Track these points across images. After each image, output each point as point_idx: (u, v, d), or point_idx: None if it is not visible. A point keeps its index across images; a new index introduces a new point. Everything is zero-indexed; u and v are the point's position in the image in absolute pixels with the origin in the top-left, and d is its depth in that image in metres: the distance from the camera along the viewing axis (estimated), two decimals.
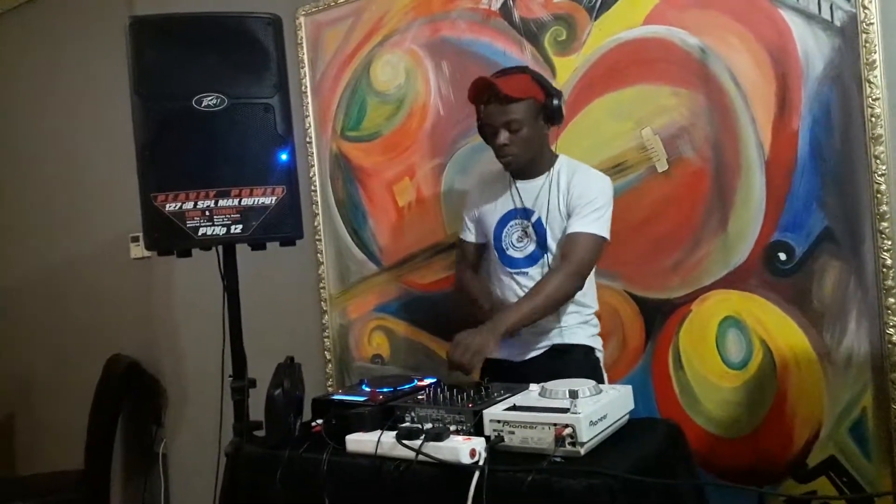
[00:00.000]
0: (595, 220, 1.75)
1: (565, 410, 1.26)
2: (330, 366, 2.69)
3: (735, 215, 1.94)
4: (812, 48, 1.83)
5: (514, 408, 1.33)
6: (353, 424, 1.40)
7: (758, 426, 1.93)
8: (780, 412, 1.90)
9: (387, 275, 2.56)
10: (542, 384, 1.43)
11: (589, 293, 1.88)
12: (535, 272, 1.82)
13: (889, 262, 1.75)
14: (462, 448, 1.23)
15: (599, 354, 1.88)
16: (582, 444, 1.22)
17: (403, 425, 1.37)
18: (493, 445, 1.27)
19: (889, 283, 1.75)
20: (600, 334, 1.92)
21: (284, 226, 1.87)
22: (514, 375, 1.79)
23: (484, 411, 1.32)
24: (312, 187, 2.68)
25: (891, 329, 1.76)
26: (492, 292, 1.94)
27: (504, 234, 1.89)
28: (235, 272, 1.94)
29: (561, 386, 1.38)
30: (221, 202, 1.82)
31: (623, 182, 2.07)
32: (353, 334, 2.65)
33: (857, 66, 1.77)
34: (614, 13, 2.07)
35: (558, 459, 1.22)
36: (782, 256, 1.89)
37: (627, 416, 1.44)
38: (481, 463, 1.22)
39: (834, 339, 1.84)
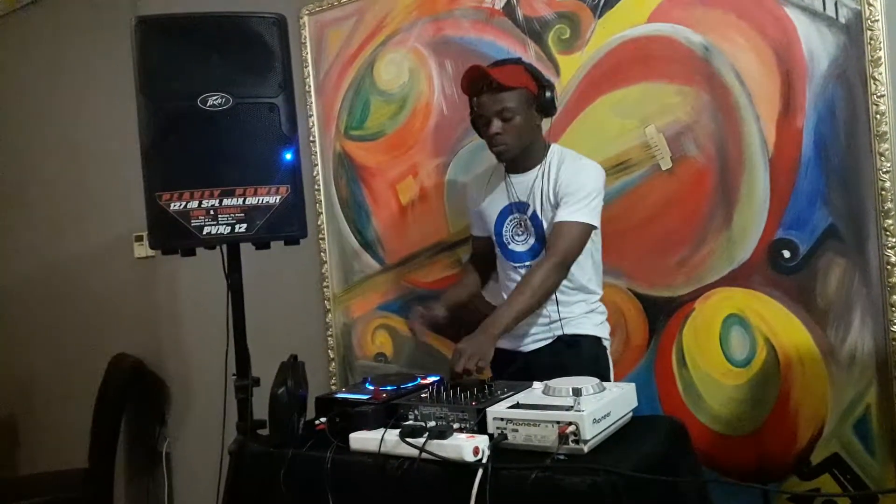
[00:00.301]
0: (581, 208, 1.74)
1: (569, 408, 1.26)
2: (333, 364, 2.70)
3: (739, 213, 1.93)
4: (817, 46, 1.83)
5: (517, 406, 1.33)
6: (356, 423, 1.40)
7: (761, 424, 1.92)
8: (783, 410, 1.90)
9: (390, 273, 2.57)
10: (545, 382, 1.43)
11: (594, 278, 1.88)
12: None
13: (893, 259, 1.75)
14: (465, 446, 1.23)
15: (606, 343, 1.87)
16: (585, 442, 1.22)
17: (407, 423, 1.37)
18: (497, 443, 1.27)
19: (894, 279, 1.75)
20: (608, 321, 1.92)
21: (288, 225, 1.88)
22: (521, 366, 1.83)
23: (487, 409, 1.32)
24: (316, 186, 2.68)
25: (895, 326, 1.75)
26: (468, 291, 2.01)
27: (504, 229, 1.91)
28: (239, 271, 1.94)
29: (564, 383, 1.38)
30: (226, 201, 1.82)
31: (627, 180, 2.07)
32: (356, 333, 2.66)
33: (861, 64, 1.77)
34: (618, 11, 2.07)
35: (562, 457, 1.22)
36: (786, 254, 1.88)
37: (631, 414, 1.44)
38: (485, 461, 1.22)
39: (838, 336, 1.83)
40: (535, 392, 1.42)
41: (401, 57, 2.48)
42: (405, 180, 2.50)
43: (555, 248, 1.73)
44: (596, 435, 1.26)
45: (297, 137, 1.90)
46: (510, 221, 1.90)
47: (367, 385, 1.60)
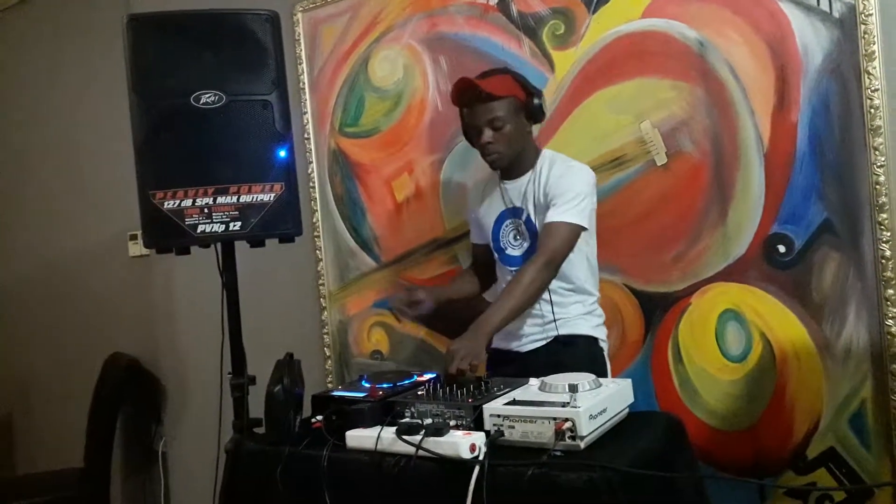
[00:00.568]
0: (569, 209, 1.75)
1: (565, 404, 1.26)
2: (329, 362, 2.69)
3: (734, 208, 1.93)
4: (811, 40, 1.83)
5: (513, 402, 1.33)
6: (353, 420, 1.40)
7: (757, 419, 1.93)
8: (779, 404, 1.90)
9: (386, 271, 2.56)
10: (541, 378, 1.43)
11: (590, 279, 1.88)
12: None
13: (888, 253, 1.75)
14: (462, 443, 1.23)
15: (603, 345, 1.88)
16: (582, 438, 1.22)
17: (403, 421, 1.37)
18: (494, 440, 1.27)
19: (888, 274, 1.75)
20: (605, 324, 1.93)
21: (283, 223, 1.87)
22: (517, 365, 1.84)
23: (484, 406, 1.32)
24: (311, 184, 2.68)
25: (890, 320, 1.76)
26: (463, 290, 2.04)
27: (501, 235, 1.93)
28: (234, 269, 1.94)
29: (561, 380, 1.38)
30: (220, 199, 1.82)
31: (622, 176, 2.07)
32: (352, 330, 2.65)
33: (855, 58, 1.77)
34: (613, 6, 2.06)
35: (558, 453, 1.22)
36: (781, 249, 1.89)
37: (627, 410, 1.44)
38: (481, 457, 1.22)
39: (833, 330, 1.84)
40: (532, 389, 1.43)
41: (395, 53, 2.47)
42: (400, 177, 2.50)
43: (543, 248, 1.74)
44: (592, 431, 1.26)
45: (291, 135, 1.90)
46: (506, 227, 1.92)
47: (363, 383, 1.60)
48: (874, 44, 1.74)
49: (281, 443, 1.47)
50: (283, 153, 1.87)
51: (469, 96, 1.81)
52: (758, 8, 1.88)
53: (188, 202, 1.80)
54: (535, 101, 1.84)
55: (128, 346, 3.19)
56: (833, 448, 1.85)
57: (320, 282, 2.69)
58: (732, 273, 1.94)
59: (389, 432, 1.32)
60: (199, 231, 1.80)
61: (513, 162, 1.86)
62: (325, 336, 2.69)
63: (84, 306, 3.40)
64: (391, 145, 2.51)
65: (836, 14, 1.80)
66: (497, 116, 1.78)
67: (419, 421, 1.35)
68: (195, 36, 1.82)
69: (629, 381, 1.47)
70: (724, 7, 1.92)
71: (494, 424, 1.29)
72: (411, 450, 1.27)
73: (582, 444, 1.23)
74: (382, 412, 1.41)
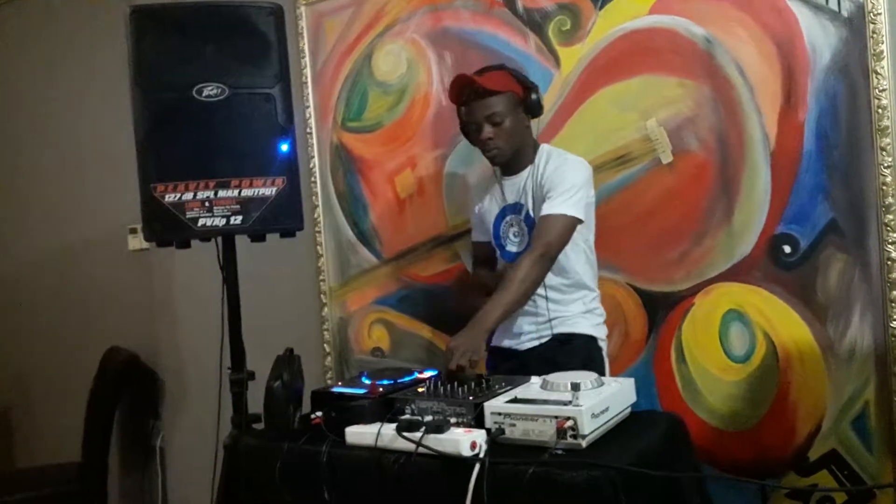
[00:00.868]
0: (564, 201, 1.74)
1: (567, 403, 1.25)
2: (329, 358, 2.68)
3: (740, 207, 1.92)
4: (819, 39, 1.81)
5: (515, 400, 1.32)
6: (352, 417, 1.39)
7: (760, 419, 1.92)
8: (782, 405, 1.89)
9: (387, 267, 2.55)
10: (543, 377, 1.42)
11: (588, 273, 1.88)
12: None
13: (894, 254, 1.74)
14: (463, 440, 1.22)
15: (602, 344, 1.87)
16: (583, 437, 1.21)
17: (403, 417, 1.35)
18: (494, 438, 1.26)
19: (894, 275, 1.74)
20: (606, 323, 1.92)
21: (284, 217, 1.87)
22: (517, 363, 1.84)
23: (485, 403, 1.31)
24: (312, 179, 2.66)
25: (895, 322, 1.75)
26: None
27: (502, 231, 1.93)
28: (234, 264, 1.93)
29: (563, 378, 1.37)
30: (221, 193, 1.81)
31: (627, 174, 2.06)
32: (352, 327, 2.64)
33: (864, 57, 1.76)
34: (619, 3, 2.05)
35: (559, 452, 1.21)
36: (787, 249, 1.87)
37: (629, 409, 1.43)
38: (482, 455, 1.21)
39: (837, 332, 1.83)
40: (534, 387, 1.42)
41: (399, 48, 2.46)
42: (403, 173, 2.49)
43: (538, 241, 1.74)
44: (594, 430, 1.25)
45: (294, 129, 1.89)
46: (506, 223, 1.92)
47: (363, 379, 1.59)
48: (883, 43, 1.74)
49: (280, 439, 1.46)
50: (285, 147, 1.86)
51: (467, 93, 1.81)
52: (765, 5, 1.87)
53: (189, 195, 1.79)
54: (533, 95, 1.83)
55: (126, 340, 3.18)
56: (835, 450, 1.84)
57: (321, 277, 2.68)
58: (737, 273, 1.93)
59: (389, 429, 1.31)
60: (199, 225, 1.80)
61: (513, 157, 1.86)
62: (326, 332, 2.68)
63: (83, 300, 3.39)
64: (394, 140, 2.50)
65: (844, 13, 1.78)
66: (496, 112, 1.78)
67: (419, 418, 1.34)
68: (198, 28, 1.81)
69: (632, 380, 1.46)
70: (731, 4, 1.91)
71: (495, 422, 1.28)
72: (411, 447, 1.25)
73: (583, 443, 1.22)
74: (382, 409, 1.40)
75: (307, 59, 2.65)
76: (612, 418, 1.34)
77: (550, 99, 2.16)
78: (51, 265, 3.50)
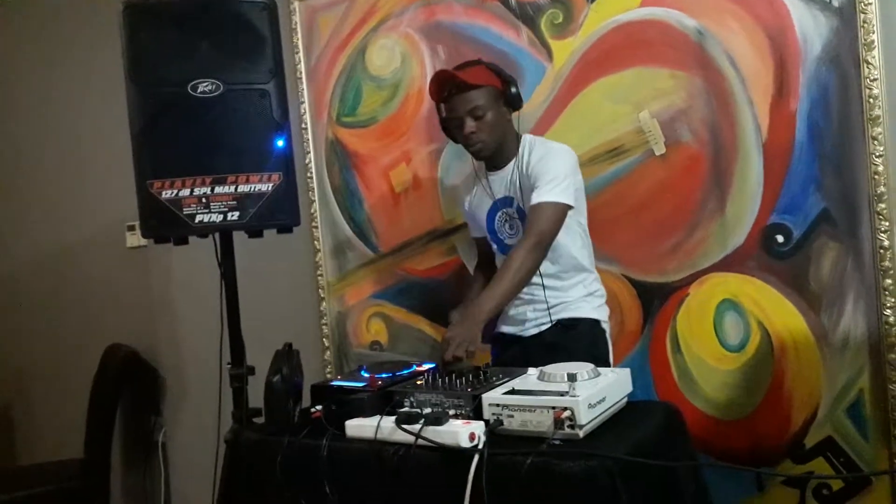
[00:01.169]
0: (552, 188, 1.75)
1: (564, 393, 1.26)
2: (328, 352, 2.69)
3: (733, 198, 1.93)
4: (810, 29, 1.82)
5: (513, 391, 1.33)
6: (352, 410, 1.40)
7: (755, 408, 1.94)
8: (777, 394, 1.91)
9: (384, 261, 2.56)
10: (540, 368, 1.43)
11: (586, 256, 1.89)
12: None
13: (886, 243, 1.76)
14: (461, 432, 1.23)
15: (605, 326, 1.89)
16: (581, 427, 1.23)
17: (403, 410, 1.37)
18: (493, 429, 1.27)
19: (886, 263, 1.76)
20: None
21: (281, 213, 1.87)
22: (520, 349, 1.87)
23: (483, 395, 1.32)
24: (308, 174, 2.67)
25: (888, 310, 1.76)
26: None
27: (496, 226, 1.93)
28: (232, 260, 1.93)
29: (560, 369, 1.38)
30: (218, 189, 1.81)
31: (620, 166, 2.07)
32: (350, 321, 2.66)
33: (855, 47, 1.77)
34: None
35: (557, 442, 1.23)
36: (780, 239, 1.89)
37: (626, 399, 1.45)
38: (481, 446, 1.22)
39: (831, 320, 1.84)
40: (531, 378, 1.43)
41: (393, 42, 2.46)
42: (398, 167, 2.49)
43: (530, 230, 1.74)
44: (591, 420, 1.26)
45: (289, 124, 1.89)
46: (500, 218, 1.92)
47: (362, 373, 1.60)
48: (873, 33, 1.74)
49: (280, 432, 1.47)
50: (280, 143, 1.86)
51: (448, 88, 1.81)
52: None
53: (186, 192, 1.79)
54: (513, 88, 1.84)
55: (126, 337, 3.18)
56: (831, 437, 1.86)
57: (318, 272, 2.69)
58: (731, 263, 1.95)
59: (389, 421, 1.32)
60: (196, 221, 1.80)
61: (497, 151, 1.86)
62: (324, 326, 2.69)
63: (82, 297, 3.39)
64: (389, 135, 2.50)
65: (835, 3, 1.79)
66: (478, 105, 1.79)
67: (418, 410, 1.35)
68: (192, 24, 1.80)
69: (628, 370, 1.47)
70: None
71: (493, 414, 1.30)
72: (411, 439, 1.27)
73: (581, 433, 1.23)
74: (382, 402, 1.41)
75: (301, 54, 2.65)
76: (609, 408, 1.35)
77: (543, 92, 2.17)
78: (50, 263, 3.51)
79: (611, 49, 2.07)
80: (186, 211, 1.79)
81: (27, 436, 3.72)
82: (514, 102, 1.85)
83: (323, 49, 2.62)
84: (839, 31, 1.79)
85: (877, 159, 1.75)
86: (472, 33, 2.29)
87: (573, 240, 1.85)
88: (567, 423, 1.23)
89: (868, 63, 1.75)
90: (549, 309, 1.85)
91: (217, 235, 1.90)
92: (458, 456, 1.22)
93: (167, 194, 1.78)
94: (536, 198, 1.75)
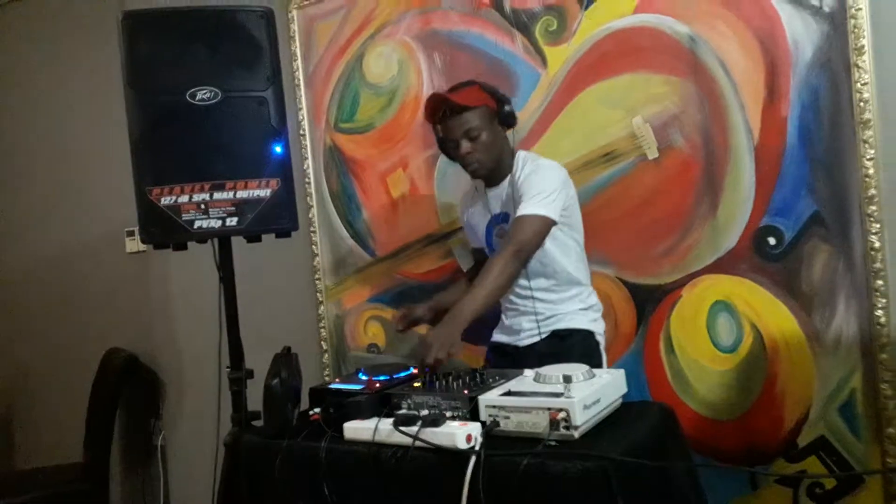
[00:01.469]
0: (537, 202, 1.76)
1: (559, 395, 1.28)
2: (326, 356, 2.71)
3: (725, 201, 1.96)
4: (801, 34, 1.85)
5: (509, 393, 1.35)
6: (350, 412, 1.42)
7: (748, 408, 1.95)
8: (770, 394, 1.93)
9: (381, 266, 2.58)
10: (536, 370, 1.45)
11: (581, 270, 1.91)
12: (532, 267, 1.86)
13: (877, 244, 1.78)
14: (458, 433, 1.24)
15: (600, 338, 1.91)
16: (576, 428, 1.24)
17: (400, 412, 1.38)
18: (489, 430, 1.29)
19: (877, 265, 1.78)
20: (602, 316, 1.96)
21: (279, 218, 1.89)
22: (515, 359, 1.89)
23: (479, 397, 1.34)
24: (307, 179, 2.69)
25: (879, 311, 1.78)
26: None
27: (494, 240, 1.95)
28: (231, 264, 1.95)
29: (555, 371, 1.40)
30: (216, 195, 1.83)
31: (614, 170, 2.09)
32: (348, 324, 2.67)
33: (845, 52, 1.79)
34: (605, 2, 2.08)
35: (553, 443, 1.24)
36: (772, 241, 1.91)
37: (621, 400, 1.46)
38: (477, 448, 1.24)
39: (823, 321, 1.86)
40: (527, 380, 1.44)
41: (390, 50, 2.48)
42: (395, 173, 2.51)
43: (512, 239, 1.75)
44: (586, 421, 1.28)
45: (287, 131, 1.91)
46: (496, 234, 1.95)
47: (360, 375, 1.61)
48: (864, 38, 1.76)
49: (279, 435, 1.48)
50: (278, 149, 1.88)
51: (443, 110, 1.83)
52: (748, 3, 1.90)
53: (185, 198, 1.81)
54: (506, 107, 1.86)
55: (125, 341, 3.20)
56: (823, 436, 1.88)
57: (316, 277, 2.71)
58: (723, 265, 1.97)
59: (386, 423, 1.33)
60: (195, 227, 1.82)
61: (493, 169, 1.88)
62: (322, 330, 2.71)
63: (82, 302, 3.40)
64: (386, 141, 2.52)
65: (826, 8, 1.81)
66: (472, 126, 1.81)
67: (416, 412, 1.36)
68: (190, 32, 1.83)
69: (622, 371, 1.49)
70: (714, 2, 1.94)
71: (490, 415, 1.31)
72: (408, 441, 1.28)
73: (576, 434, 1.25)
74: (379, 404, 1.42)
75: (299, 62, 2.68)
76: (604, 409, 1.37)
77: (538, 98, 2.19)
78: (50, 268, 3.51)
79: (604, 55, 2.09)
80: (185, 217, 1.81)
81: (27, 440, 3.72)
82: (509, 121, 1.87)
83: (321, 56, 2.64)
84: (830, 36, 1.81)
85: (867, 162, 1.78)
86: (468, 41, 2.32)
87: (568, 256, 1.87)
88: (563, 424, 1.24)
89: (858, 67, 1.77)
90: (541, 321, 1.88)
91: (216, 241, 1.92)
92: (455, 457, 1.23)
93: (166, 200, 1.80)
94: (520, 210, 1.77)
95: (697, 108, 1.97)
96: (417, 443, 1.27)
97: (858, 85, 1.78)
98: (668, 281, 2.04)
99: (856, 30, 1.77)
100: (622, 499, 1.14)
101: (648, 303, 2.08)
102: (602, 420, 1.36)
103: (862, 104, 1.77)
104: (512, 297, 1.93)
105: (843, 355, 1.84)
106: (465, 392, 1.38)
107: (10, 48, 3.57)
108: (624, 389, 1.47)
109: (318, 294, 2.71)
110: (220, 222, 1.83)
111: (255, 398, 1.67)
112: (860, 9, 1.76)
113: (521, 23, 2.22)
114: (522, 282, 1.88)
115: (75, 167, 3.36)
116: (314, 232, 2.70)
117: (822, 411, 1.87)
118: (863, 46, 1.77)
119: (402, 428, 1.30)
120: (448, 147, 1.89)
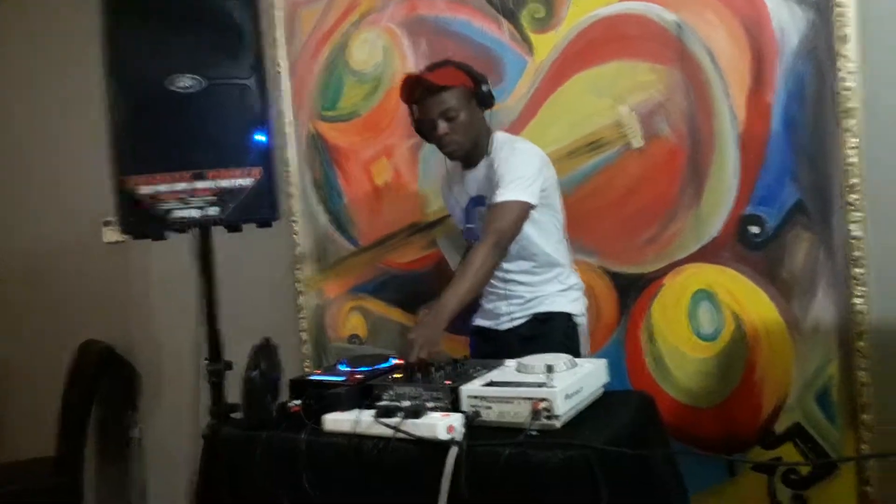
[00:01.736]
0: (514, 188, 1.73)
1: (541, 385, 1.28)
2: (306, 346, 2.69)
3: (709, 189, 1.96)
4: (787, 23, 1.84)
5: (490, 384, 1.34)
6: (330, 404, 1.40)
7: (728, 396, 1.97)
8: (749, 381, 1.94)
9: (364, 255, 2.56)
10: (518, 360, 1.44)
11: (561, 252, 1.90)
12: (511, 250, 1.84)
13: (858, 233, 1.78)
14: (439, 424, 1.24)
15: (579, 320, 1.90)
16: (558, 418, 1.24)
17: (381, 403, 1.37)
18: (471, 421, 1.28)
19: (857, 253, 1.79)
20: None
21: (261, 207, 1.87)
22: (496, 343, 1.90)
23: (461, 388, 1.33)
24: (289, 168, 2.65)
25: (857, 298, 1.79)
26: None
27: (474, 224, 1.93)
28: (211, 255, 1.93)
29: (537, 361, 1.40)
30: (198, 184, 1.80)
31: (599, 159, 2.08)
32: (329, 314, 2.65)
33: (830, 41, 1.79)
34: None
35: (535, 433, 1.24)
36: (755, 229, 1.91)
37: (602, 389, 1.47)
38: (459, 438, 1.23)
39: (802, 309, 1.87)
40: (509, 370, 1.44)
41: (374, 36, 2.45)
42: (379, 161, 2.49)
43: (490, 228, 1.73)
44: (568, 410, 1.28)
45: (270, 119, 1.88)
46: (475, 215, 1.93)
47: (341, 366, 1.60)
48: (848, 26, 1.76)
49: (259, 427, 1.47)
50: (261, 137, 1.85)
51: (419, 90, 1.80)
52: None
53: (164, 187, 1.78)
54: (484, 87, 1.83)
55: (102, 332, 3.15)
56: (799, 423, 1.89)
57: (297, 266, 2.68)
58: (706, 254, 1.97)
59: (367, 415, 1.33)
60: (175, 216, 1.79)
61: (470, 151, 1.86)
62: (302, 321, 2.68)
63: (58, 293, 3.35)
64: (370, 129, 2.50)
65: None
66: (450, 107, 1.78)
67: (397, 404, 1.35)
68: (172, 19, 1.79)
69: (604, 361, 1.49)
70: None
71: (472, 406, 1.30)
72: (389, 432, 1.27)
73: (558, 424, 1.25)
74: (360, 395, 1.41)
75: (282, 48, 2.64)
76: (586, 398, 1.37)
77: (524, 86, 2.18)
78: (25, 258, 3.46)
79: (591, 43, 2.08)
80: (164, 206, 1.78)
81: (0, 433, 3.67)
82: (486, 101, 1.85)
83: (304, 43, 2.61)
84: (815, 25, 1.81)
85: (850, 151, 1.78)
86: (454, 27, 2.29)
87: (547, 238, 1.86)
88: (544, 413, 1.24)
89: (843, 56, 1.77)
90: (522, 304, 1.88)
91: (196, 230, 1.89)
92: (436, 448, 1.22)
93: (145, 190, 1.77)
94: (497, 196, 1.74)
95: (683, 95, 1.97)
96: (398, 434, 1.26)
97: (843, 74, 1.77)
98: (651, 270, 2.04)
99: (840, 18, 1.77)
100: (603, 487, 1.14)
101: (631, 292, 2.08)
102: (584, 409, 1.37)
103: (846, 92, 1.77)
104: (492, 281, 1.90)
105: (821, 343, 1.86)
106: (447, 382, 1.37)
107: None
108: (605, 379, 1.48)
109: (298, 284, 2.69)
110: (199, 211, 1.81)
111: (235, 390, 1.65)
112: None
113: (508, 9, 2.20)
114: (502, 264, 1.85)
115: (51, 155, 3.30)
116: (295, 221, 2.67)
117: (798, 399, 1.89)
118: (846, 35, 1.76)
119: (383, 419, 1.29)
120: (425, 128, 1.86)
